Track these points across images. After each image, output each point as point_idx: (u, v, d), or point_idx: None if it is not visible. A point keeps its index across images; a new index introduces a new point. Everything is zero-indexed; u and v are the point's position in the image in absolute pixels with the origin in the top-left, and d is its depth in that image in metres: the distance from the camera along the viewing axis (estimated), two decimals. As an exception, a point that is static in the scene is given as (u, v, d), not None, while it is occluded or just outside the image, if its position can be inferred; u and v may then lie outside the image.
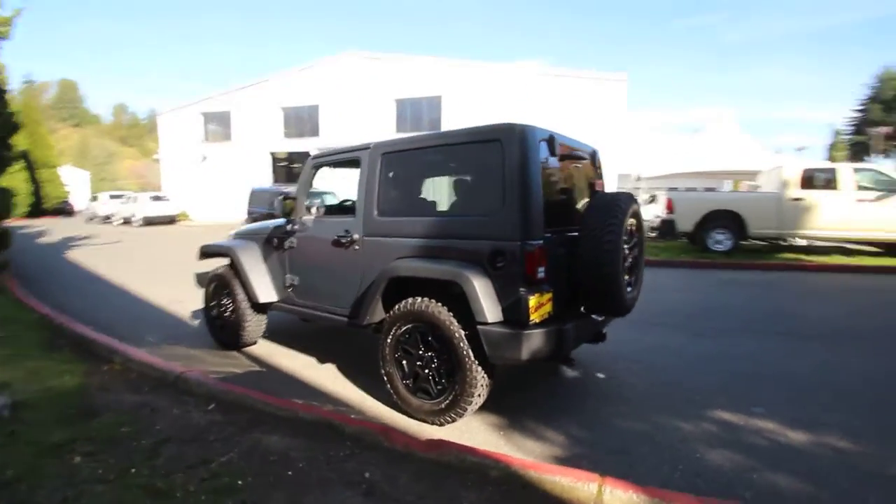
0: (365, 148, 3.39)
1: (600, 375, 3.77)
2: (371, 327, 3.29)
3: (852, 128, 43.56)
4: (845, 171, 9.10)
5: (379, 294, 3.09)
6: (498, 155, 2.68)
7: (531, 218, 2.59)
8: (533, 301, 2.53)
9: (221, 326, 4.52)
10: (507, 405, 3.17)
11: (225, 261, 4.62)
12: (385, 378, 3.10)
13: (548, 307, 2.66)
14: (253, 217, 14.01)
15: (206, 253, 4.73)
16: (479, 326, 2.62)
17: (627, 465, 2.48)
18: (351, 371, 3.89)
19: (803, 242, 10.57)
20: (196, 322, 5.52)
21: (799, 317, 5.48)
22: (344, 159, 3.65)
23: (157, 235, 17.88)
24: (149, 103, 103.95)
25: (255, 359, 4.26)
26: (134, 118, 74.66)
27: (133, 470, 2.34)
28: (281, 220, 4.23)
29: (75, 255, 11.81)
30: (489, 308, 2.60)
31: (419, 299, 2.89)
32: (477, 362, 2.70)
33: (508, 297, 2.61)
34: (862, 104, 43.88)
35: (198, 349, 4.51)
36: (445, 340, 2.78)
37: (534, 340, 2.53)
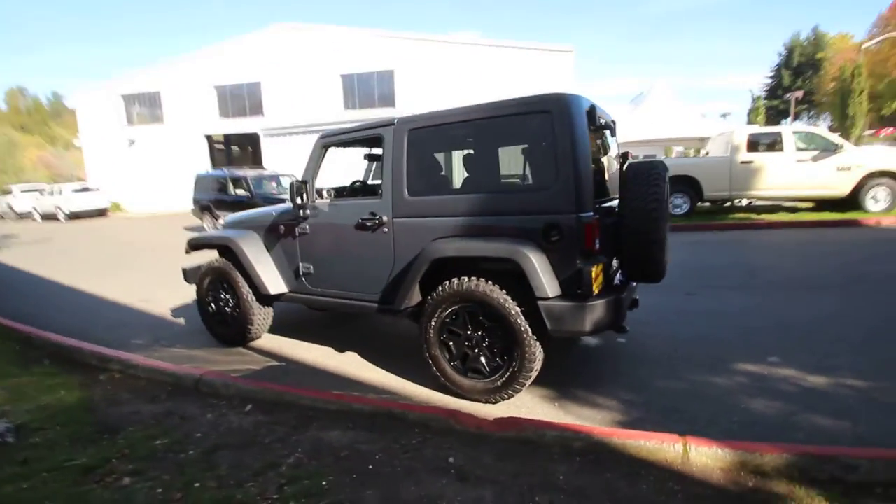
0: (388, 124, 3.21)
1: (621, 340, 3.91)
2: (406, 312, 3.19)
3: (767, 93, 47.20)
4: (787, 134, 9.86)
5: (419, 277, 2.98)
6: (548, 126, 2.62)
7: (584, 190, 2.58)
8: (594, 272, 2.55)
9: (222, 322, 4.22)
10: (550, 378, 3.22)
11: (214, 253, 4.29)
12: (430, 361, 3.03)
13: (602, 278, 2.69)
14: (200, 205, 13.08)
15: (197, 245, 4.36)
16: (539, 302, 2.60)
17: (687, 423, 2.60)
18: (377, 357, 3.78)
19: (745, 202, 11.44)
20: (181, 320, 5.12)
21: (771, 270, 5.95)
22: (360, 137, 3.43)
23: (91, 231, 16.25)
24: (50, 84, 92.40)
25: (267, 353, 4.03)
26: (35, 102, 66.19)
27: (197, 484, 2.15)
28: (286, 206, 3.96)
29: (3, 257, 10.50)
30: (549, 283, 2.58)
31: (467, 279, 2.82)
32: (535, 337, 2.70)
33: (566, 271, 2.61)
34: (774, 71, 47.61)
35: (198, 349, 4.19)
36: (499, 318, 2.75)
37: (597, 311, 2.56)
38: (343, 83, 19.51)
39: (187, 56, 21.34)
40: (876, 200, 9.20)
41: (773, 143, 9.89)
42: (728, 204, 11.15)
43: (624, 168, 3.00)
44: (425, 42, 18.35)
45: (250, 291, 3.96)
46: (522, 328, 2.68)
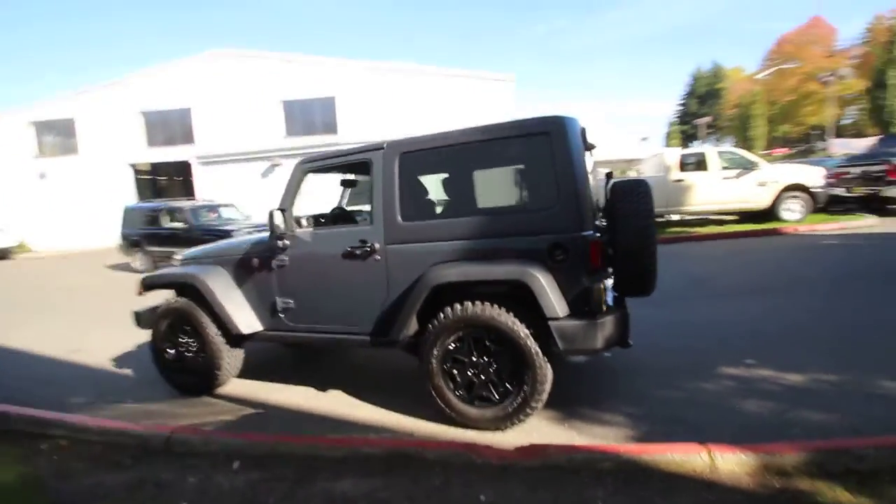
0: (377, 148, 3.10)
1: (606, 354, 3.97)
2: (402, 343, 3.04)
3: (678, 119, 52.23)
4: (712, 154, 10.86)
5: (418, 305, 2.86)
6: (546, 148, 2.66)
7: (586, 209, 2.62)
8: (602, 289, 2.57)
9: (182, 369, 3.79)
10: (551, 399, 3.17)
11: (166, 294, 3.89)
12: (433, 393, 2.89)
13: (604, 295, 2.72)
14: (130, 240, 11.98)
15: (151, 285, 3.92)
16: (550, 322, 2.58)
17: (692, 431, 2.64)
18: (365, 393, 3.55)
19: (677, 217, 12.38)
20: (127, 371, 4.56)
21: (715, 279, 6.40)
22: (345, 163, 3.30)
23: (-11, 275, 14.28)
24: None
25: (238, 400, 3.66)
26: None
27: (199, 563, 1.85)
28: (257, 237, 3.68)
29: None
30: (558, 303, 2.57)
31: (471, 304, 2.75)
32: (546, 359, 2.66)
33: (573, 290, 2.62)
34: (683, 99, 52.93)
35: (154, 402, 3.72)
36: (507, 342, 2.69)
37: (607, 328, 2.58)
38: (285, 109, 19.00)
39: (109, 82, 19.83)
40: (791, 211, 10.30)
41: (701, 163, 10.83)
42: (663, 219, 12.00)
43: (609, 186, 3.10)
44: (366, 70, 18.42)
45: (218, 332, 3.61)
46: (533, 350, 2.64)
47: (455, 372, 2.86)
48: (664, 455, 2.23)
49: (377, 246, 3.05)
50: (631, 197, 2.96)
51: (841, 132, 35.84)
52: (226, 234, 10.47)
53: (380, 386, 3.68)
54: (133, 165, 20.73)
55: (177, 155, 19.37)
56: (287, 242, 3.37)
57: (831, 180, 11.19)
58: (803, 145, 35.69)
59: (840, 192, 11.48)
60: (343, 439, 2.64)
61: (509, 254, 2.74)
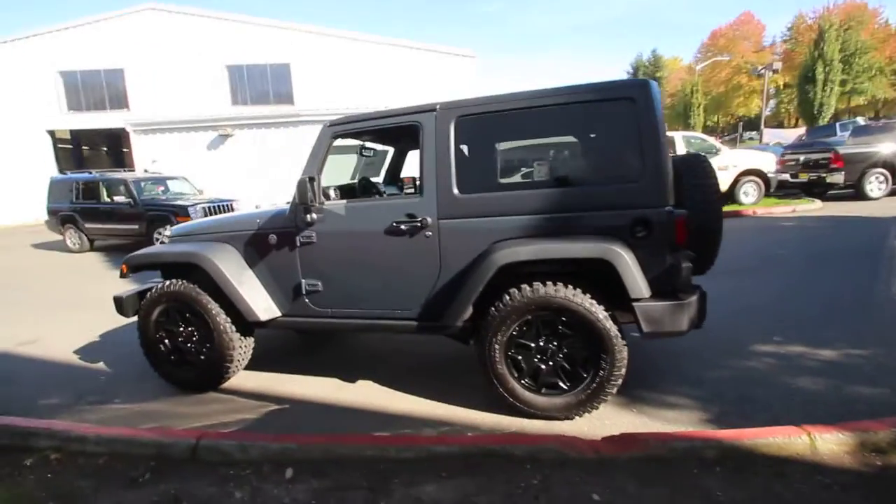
0: (427, 110, 2.74)
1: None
2: (455, 329, 2.77)
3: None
4: (678, 139, 11.21)
5: (481, 286, 2.59)
6: (631, 114, 2.44)
7: (670, 183, 2.46)
8: (690, 269, 2.44)
9: (181, 363, 3.30)
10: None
11: (157, 276, 3.36)
12: (495, 381, 2.66)
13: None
14: (61, 216, 10.59)
15: (139, 265, 3.35)
16: (635, 303, 2.41)
17: (766, 411, 2.62)
18: (400, 382, 3.25)
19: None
20: (100, 365, 3.94)
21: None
22: (383, 126, 2.90)
23: None
24: None
25: (252, 395, 3.24)
26: None
27: None
28: (273, 210, 3.21)
29: None
30: (642, 282, 2.41)
31: (543, 285, 2.52)
32: (624, 342, 2.50)
33: (655, 268, 2.46)
34: (626, 86, 54.86)
35: (147, 402, 3.22)
36: (582, 325, 2.50)
37: (692, 308, 2.46)
38: (230, 75, 17.46)
39: (20, 36, 17.18)
40: (746, 195, 10.90)
41: (670, 145, 11.18)
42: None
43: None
44: (325, 36, 17.28)
45: (228, 319, 3.14)
46: (612, 333, 2.47)
47: (520, 358, 2.65)
48: (765, 439, 2.15)
49: (429, 221, 2.73)
50: (698, 172, 2.84)
51: (766, 123, 38.82)
52: (179, 211, 9.51)
53: (415, 373, 3.40)
54: (51, 133, 18.31)
55: (107, 121, 17.30)
56: (315, 216, 2.95)
57: (778, 167, 11.98)
58: (734, 133, 38.28)
59: (786, 177, 12.34)
60: (414, 438, 2.36)
61: (584, 230, 2.53)
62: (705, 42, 49.08)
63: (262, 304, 3.12)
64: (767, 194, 11.06)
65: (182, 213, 9.42)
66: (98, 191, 10.33)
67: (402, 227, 2.78)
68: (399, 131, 2.95)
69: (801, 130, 24.93)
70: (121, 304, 3.38)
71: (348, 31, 17.28)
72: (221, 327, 3.12)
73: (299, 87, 17.30)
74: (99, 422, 2.89)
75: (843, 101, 35.26)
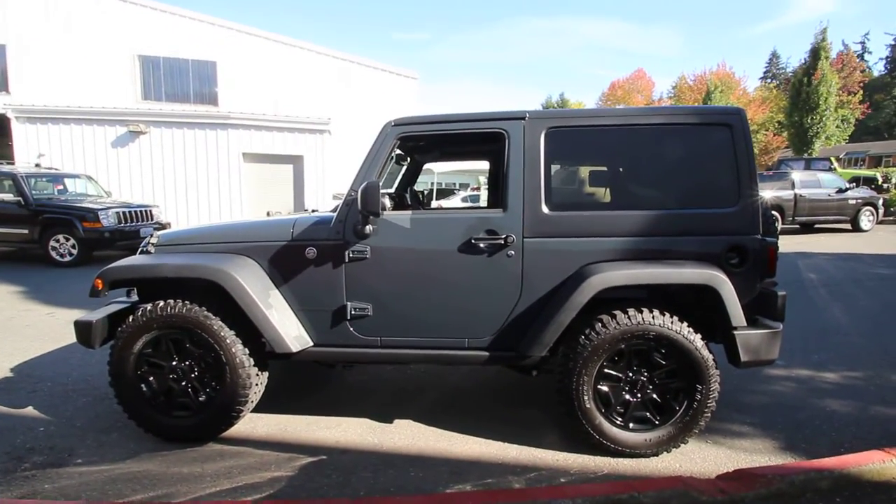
0: (515, 118, 2.50)
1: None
2: (535, 360, 2.51)
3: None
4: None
5: (573, 313, 2.37)
6: (727, 141, 2.44)
7: (761, 210, 2.49)
8: (785, 297, 2.46)
9: (171, 407, 2.60)
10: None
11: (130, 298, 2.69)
12: (581, 419, 2.43)
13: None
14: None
15: (119, 280, 2.61)
16: (736, 332, 2.36)
17: (824, 435, 2.71)
18: (439, 419, 2.88)
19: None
20: (30, 409, 3.01)
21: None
22: (459, 131, 2.60)
23: None
24: None
25: (269, 444, 2.64)
26: None
27: None
28: (311, 217, 2.71)
29: None
30: (740, 310, 2.37)
31: (637, 312, 2.38)
32: (718, 371, 2.43)
33: (747, 296, 2.45)
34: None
35: (126, 460, 2.48)
36: (680, 354, 2.39)
37: (781, 337, 2.47)
38: (142, 66, 15.46)
39: None
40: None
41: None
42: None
43: None
44: (262, 39, 16.11)
45: (246, 351, 2.54)
46: (709, 363, 2.38)
47: (607, 392, 2.45)
48: (866, 466, 2.18)
49: (513, 238, 2.46)
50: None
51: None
52: (87, 215, 8.00)
53: (446, 407, 3.07)
54: None
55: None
56: (371, 228, 2.53)
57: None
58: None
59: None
60: (530, 492, 2.02)
61: (678, 255, 2.46)
62: (605, 91, 54.70)
63: (294, 332, 2.58)
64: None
65: (90, 217, 7.94)
66: (-27, 186, 8.33)
67: (481, 244, 2.47)
68: (476, 139, 2.67)
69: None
70: (87, 332, 2.59)
71: (288, 36, 16.35)
72: (237, 360, 2.51)
73: (226, 89, 15.82)
74: (68, 496, 2.12)
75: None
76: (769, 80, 49.63)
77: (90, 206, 8.22)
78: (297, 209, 13.22)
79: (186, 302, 2.51)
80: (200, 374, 2.58)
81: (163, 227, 9.12)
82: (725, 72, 38.23)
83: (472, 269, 2.51)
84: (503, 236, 2.47)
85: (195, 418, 2.59)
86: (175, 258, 2.62)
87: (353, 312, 2.58)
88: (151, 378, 2.58)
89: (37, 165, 9.90)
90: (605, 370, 2.44)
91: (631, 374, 2.45)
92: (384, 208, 2.60)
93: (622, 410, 2.47)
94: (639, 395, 2.46)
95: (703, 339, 2.40)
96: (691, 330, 2.39)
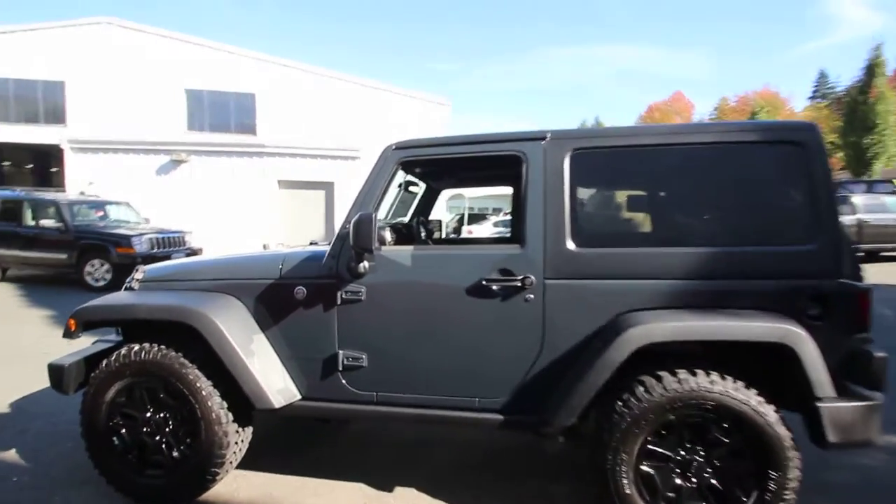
0: (534, 138, 2.13)
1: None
2: (561, 428, 2.06)
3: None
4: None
5: (610, 371, 1.92)
6: (800, 162, 1.97)
7: (846, 247, 1.98)
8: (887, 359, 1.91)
9: (143, 464, 2.30)
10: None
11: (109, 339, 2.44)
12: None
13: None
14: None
15: (94, 321, 2.38)
16: (820, 405, 1.83)
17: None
18: (444, 487, 2.43)
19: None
20: (3, 455, 2.77)
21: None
22: (466, 154, 2.26)
23: None
24: None
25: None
26: None
27: None
28: (302, 252, 2.41)
29: None
30: (827, 376, 1.85)
31: (692, 374, 1.90)
32: (799, 452, 1.89)
33: (834, 357, 1.92)
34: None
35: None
36: (747, 430, 1.87)
37: (881, 411, 1.91)
38: (188, 99, 16.27)
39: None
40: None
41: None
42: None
43: None
44: (298, 70, 16.69)
45: (224, 405, 2.23)
46: (787, 443, 1.86)
47: (653, 473, 1.96)
48: None
49: (532, 280, 2.06)
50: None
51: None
52: (121, 241, 8.17)
53: (457, 472, 2.61)
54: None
55: (39, 136, 15.37)
56: (366, 266, 2.19)
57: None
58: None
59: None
60: None
61: (738, 303, 1.97)
62: (643, 115, 53.51)
63: (278, 384, 2.24)
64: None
65: (124, 243, 8.09)
66: (20, 212, 8.73)
67: (494, 286, 2.08)
68: (489, 162, 2.32)
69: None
70: (60, 376, 2.36)
71: (322, 67, 16.83)
72: (213, 416, 2.20)
73: (264, 119, 16.40)
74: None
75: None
76: (819, 100, 47.07)
77: (125, 232, 8.41)
78: (327, 236, 13.23)
79: (162, 347, 2.24)
80: (175, 429, 2.28)
81: (194, 252, 9.24)
82: (770, 91, 36.54)
83: (484, 316, 2.11)
84: (520, 277, 2.06)
85: (168, 478, 2.27)
86: (153, 297, 2.37)
87: (345, 362, 2.23)
88: (124, 430, 2.30)
89: (81, 193, 10.35)
90: (650, 446, 1.96)
91: (683, 453, 1.95)
92: (383, 242, 2.27)
93: (673, 497, 1.96)
94: (694, 480, 1.95)
95: (776, 409, 1.89)
96: (762, 400, 1.88)
